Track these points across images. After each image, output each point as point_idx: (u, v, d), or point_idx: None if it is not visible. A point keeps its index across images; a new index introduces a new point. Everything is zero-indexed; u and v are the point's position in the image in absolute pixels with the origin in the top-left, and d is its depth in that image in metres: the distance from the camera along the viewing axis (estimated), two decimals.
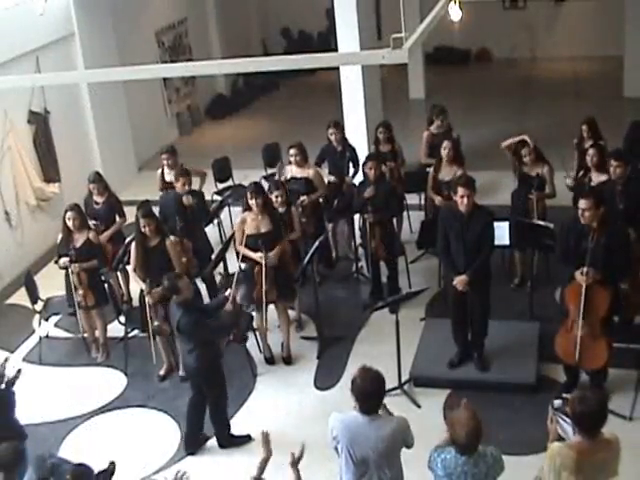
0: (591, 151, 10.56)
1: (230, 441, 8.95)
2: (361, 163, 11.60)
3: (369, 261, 11.19)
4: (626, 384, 8.88)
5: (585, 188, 10.01)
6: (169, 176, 11.79)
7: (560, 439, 6.05)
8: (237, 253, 10.37)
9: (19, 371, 8.02)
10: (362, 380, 6.13)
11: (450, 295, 9.53)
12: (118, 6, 15.95)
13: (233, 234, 10.67)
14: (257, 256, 9.69)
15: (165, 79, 18.26)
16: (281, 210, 10.34)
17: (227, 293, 8.91)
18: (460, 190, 8.83)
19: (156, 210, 10.42)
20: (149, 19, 18.21)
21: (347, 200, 11.52)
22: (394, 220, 11.52)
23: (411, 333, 9.97)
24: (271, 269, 9.76)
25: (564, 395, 6.37)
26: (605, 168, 10.22)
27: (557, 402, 6.29)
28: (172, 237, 10.05)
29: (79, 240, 10.20)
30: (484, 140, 16.45)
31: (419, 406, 9.14)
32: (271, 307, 10.05)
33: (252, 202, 9.75)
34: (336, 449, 6.37)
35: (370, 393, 6.14)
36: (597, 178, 10.36)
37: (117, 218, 11.36)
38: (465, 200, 8.78)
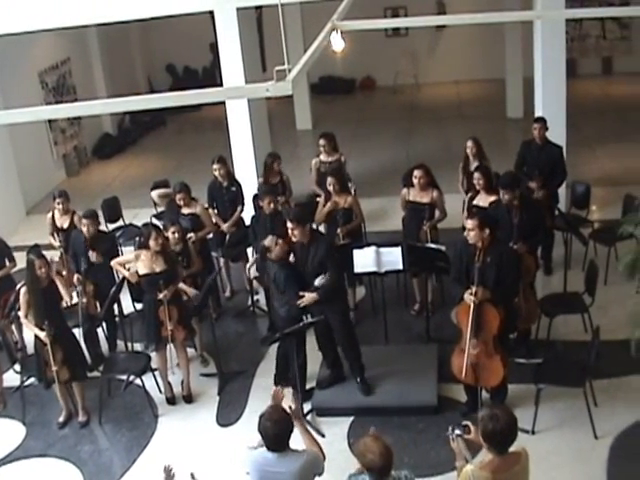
0: (476, 174, 10.63)
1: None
2: (250, 197, 11.61)
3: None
4: (526, 399, 8.99)
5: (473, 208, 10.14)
6: (60, 220, 11.61)
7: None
8: (131, 294, 10.22)
9: None
10: (268, 420, 6.05)
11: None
12: None
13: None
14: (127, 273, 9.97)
15: (50, 120, 18.00)
16: (178, 248, 10.29)
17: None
18: (288, 225, 9.13)
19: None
20: (31, 60, 17.94)
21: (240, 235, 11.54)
22: None
23: (310, 363, 9.92)
24: (173, 308, 9.71)
25: (463, 423, 6.36)
26: (493, 189, 10.40)
27: (457, 431, 6.31)
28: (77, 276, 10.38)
29: None
30: (372, 167, 16.66)
31: (323, 435, 9.11)
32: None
33: (153, 242, 9.64)
34: None
35: (276, 434, 6.04)
36: (486, 199, 10.48)
37: (7, 263, 11.11)
38: (293, 233, 9.03)
